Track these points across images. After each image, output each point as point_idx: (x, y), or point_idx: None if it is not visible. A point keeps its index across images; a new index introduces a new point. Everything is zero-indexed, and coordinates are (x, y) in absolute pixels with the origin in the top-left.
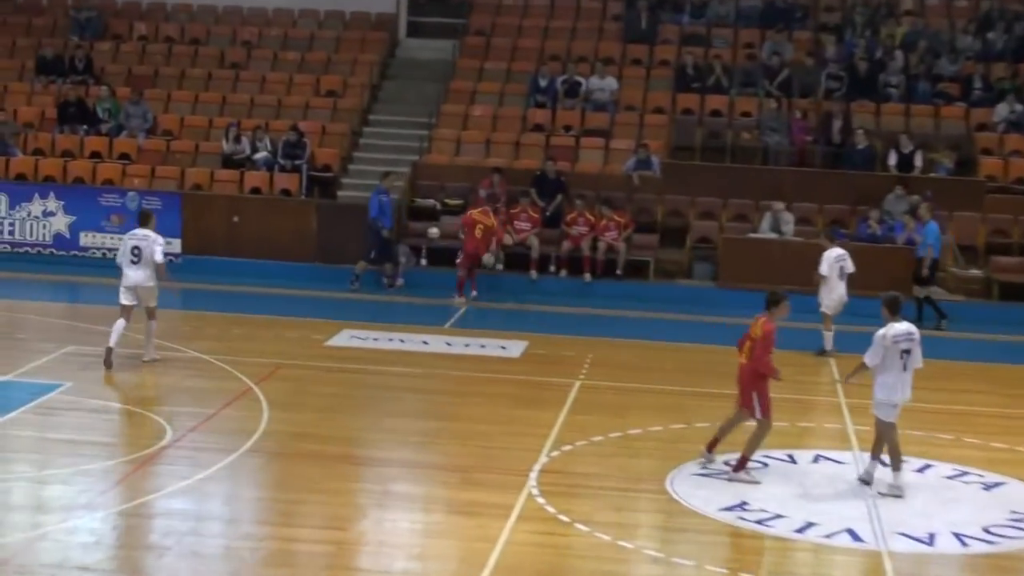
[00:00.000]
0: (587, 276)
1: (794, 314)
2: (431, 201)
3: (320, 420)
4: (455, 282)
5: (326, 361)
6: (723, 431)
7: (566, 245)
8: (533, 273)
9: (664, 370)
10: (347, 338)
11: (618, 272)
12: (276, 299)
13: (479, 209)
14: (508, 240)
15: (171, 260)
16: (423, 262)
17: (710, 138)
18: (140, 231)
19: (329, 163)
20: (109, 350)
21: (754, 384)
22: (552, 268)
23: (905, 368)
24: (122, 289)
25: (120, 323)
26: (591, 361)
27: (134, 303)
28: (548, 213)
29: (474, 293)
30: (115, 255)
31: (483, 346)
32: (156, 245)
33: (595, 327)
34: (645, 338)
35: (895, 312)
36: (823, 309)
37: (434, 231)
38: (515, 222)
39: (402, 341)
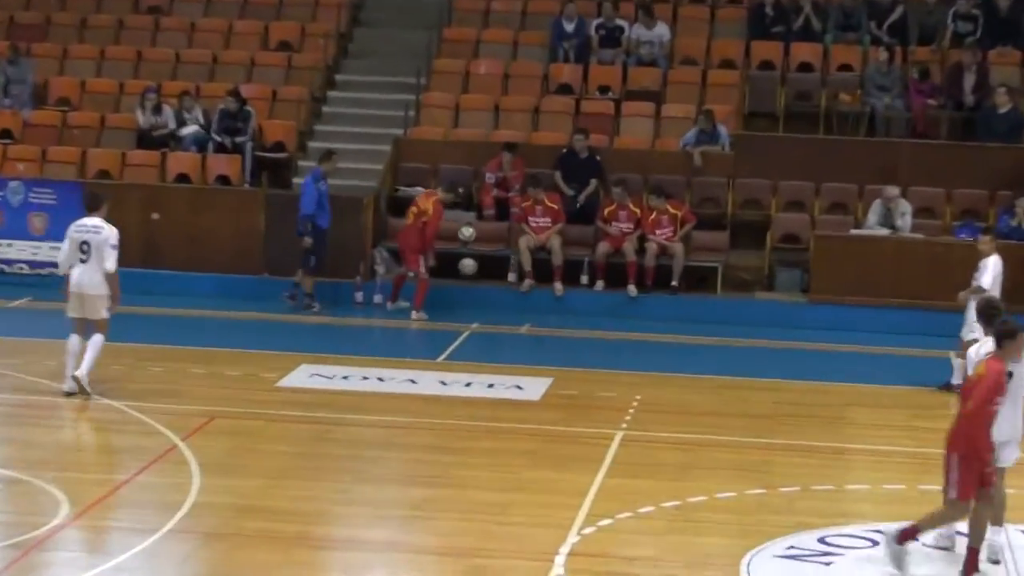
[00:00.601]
0: (631, 289)
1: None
2: (419, 189)
3: (270, 489)
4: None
5: (278, 408)
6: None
7: (603, 248)
8: (558, 286)
9: (737, 416)
10: (306, 376)
11: (673, 284)
12: (211, 325)
13: (427, 192)
14: (527, 243)
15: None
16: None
17: (797, 101)
18: (90, 221)
19: (281, 140)
20: (74, 379)
21: (958, 444)
22: (584, 279)
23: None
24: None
25: (72, 341)
26: (638, 405)
27: (79, 316)
28: (579, 204)
29: (398, 304)
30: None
31: (491, 385)
32: (108, 246)
33: (643, 358)
34: (711, 373)
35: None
36: (965, 333)
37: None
38: (529, 218)
39: (380, 380)
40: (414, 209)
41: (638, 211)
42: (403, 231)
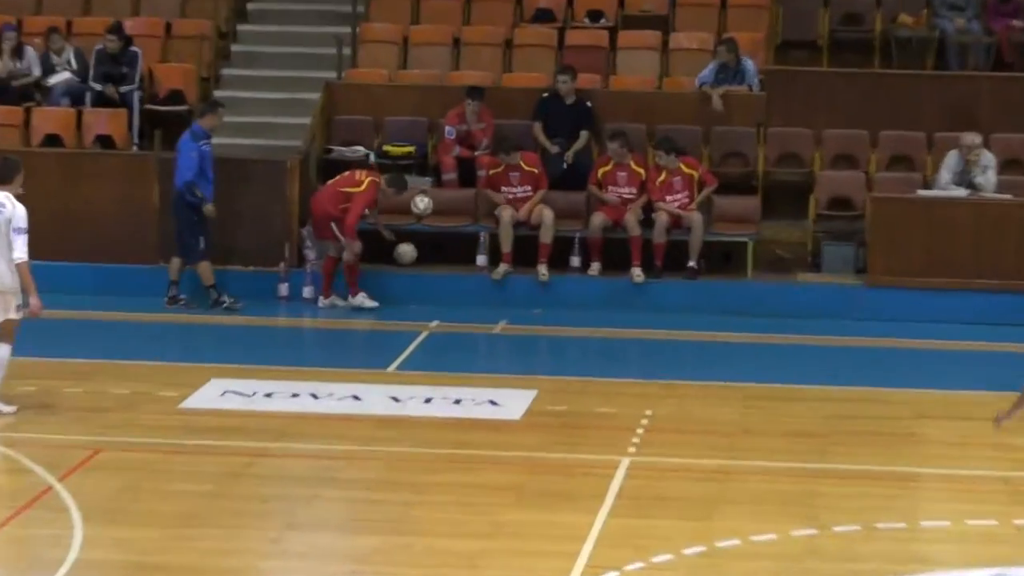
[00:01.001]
0: (636, 273)
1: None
2: (359, 150)
3: (173, 540)
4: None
5: (182, 436)
6: None
7: (598, 220)
8: (542, 270)
9: (776, 434)
10: (217, 394)
11: (691, 264)
12: (92, 329)
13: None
14: (503, 215)
15: None
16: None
17: (845, 25)
18: None
19: (179, 89)
20: None
21: None
22: (575, 261)
23: None
24: None
25: None
26: (648, 422)
27: None
28: (565, 164)
29: (333, 299)
30: None
31: (458, 401)
32: (16, 231)
33: (653, 362)
34: (741, 379)
35: None
36: None
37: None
38: (503, 187)
39: (314, 397)
40: (345, 174)
41: (642, 171)
42: (318, 193)
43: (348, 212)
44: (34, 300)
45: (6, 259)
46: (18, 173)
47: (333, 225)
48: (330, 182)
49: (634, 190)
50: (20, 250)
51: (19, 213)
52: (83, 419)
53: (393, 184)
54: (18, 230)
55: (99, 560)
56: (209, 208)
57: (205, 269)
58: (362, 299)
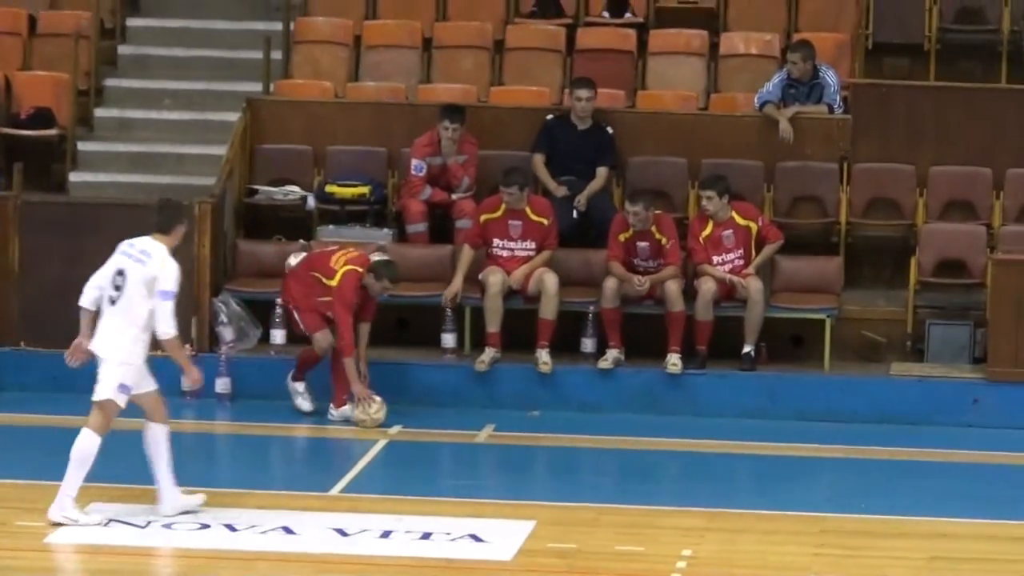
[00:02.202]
0: (672, 361)
1: None
2: (294, 190)
3: None
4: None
5: None
6: None
7: (614, 284)
8: (543, 356)
9: None
10: (98, 525)
11: (747, 350)
12: None
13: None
14: (489, 280)
15: None
16: (276, 337)
17: (959, 23)
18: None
19: (47, 107)
20: None
21: None
22: (587, 343)
23: None
24: None
25: None
26: (688, 566)
27: None
28: (576, 212)
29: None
30: None
31: (427, 535)
32: (162, 295)
33: (694, 483)
34: (814, 508)
35: None
36: None
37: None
38: (497, 241)
39: (231, 529)
40: (317, 252)
41: (665, 240)
42: (289, 276)
43: (337, 325)
44: (195, 372)
45: (134, 324)
46: (180, 223)
47: (296, 314)
48: (302, 259)
49: (656, 263)
50: (166, 323)
51: (169, 274)
52: None
53: (380, 274)
54: (164, 294)
55: None
56: None
57: None
58: (361, 412)
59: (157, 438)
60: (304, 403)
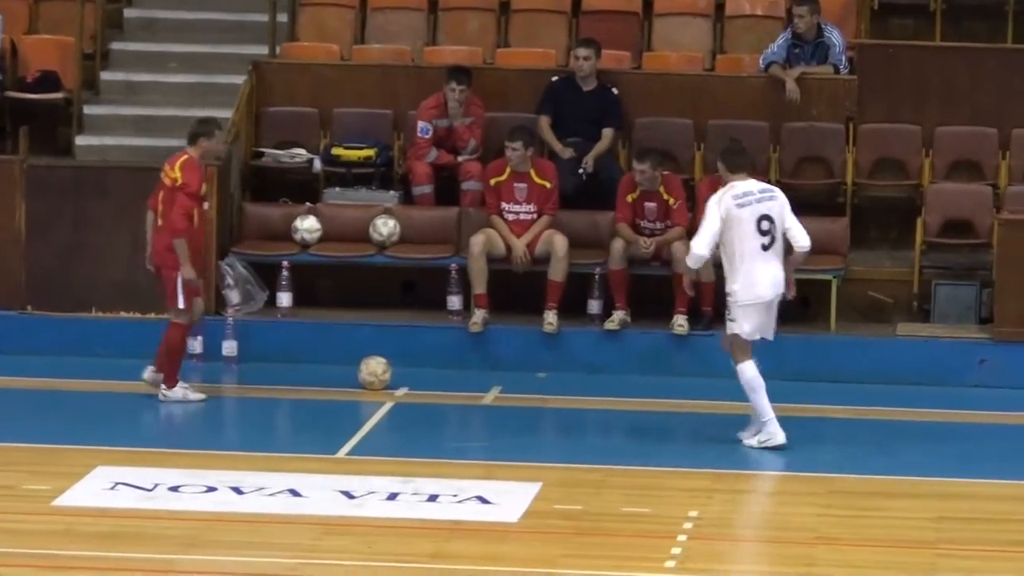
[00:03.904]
0: (679, 322)
1: None
2: (300, 153)
3: None
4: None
5: (58, 544)
6: None
7: (620, 246)
8: (549, 317)
9: (868, 543)
10: (106, 487)
11: None
12: None
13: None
14: (483, 244)
15: None
16: (282, 300)
17: None
18: None
19: (53, 70)
20: None
21: None
22: (593, 305)
23: None
24: None
25: None
26: (694, 527)
27: None
28: (583, 172)
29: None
30: None
31: (433, 498)
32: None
33: (700, 445)
34: (821, 469)
35: None
36: None
37: (308, 224)
38: (504, 203)
39: (238, 492)
40: (165, 180)
41: (672, 200)
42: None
43: (172, 218)
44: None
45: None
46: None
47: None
48: (158, 208)
49: (663, 224)
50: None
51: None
52: None
53: (208, 133)
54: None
55: None
56: None
57: None
58: (166, 392)
59: None
60: (194, 394)
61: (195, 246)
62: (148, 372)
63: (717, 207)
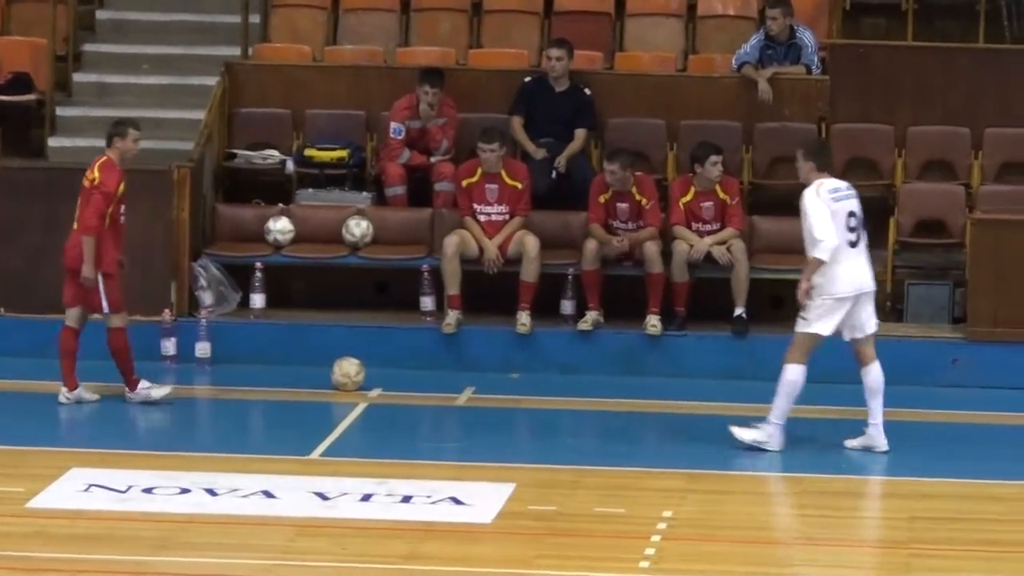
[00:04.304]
0: (652, 323)
1: None
2: (272, 154)
3: None
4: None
5: (31, 546)
6: None
7: (594, 247)
8: (523, 318)
9: (845, 542)
10: (80, 488)
11: (738, 313)
12: None
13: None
14: (456, 245)
15: None
16: (255, 301)
17: None
18: None
19: (25, 72)
20: None
21: None
22: (566, 305)
23: None
24: None
25: None
26: (668, 527)
27: None
28: (555, 174)
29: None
30: None
31: (407, 499)
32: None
33: (674, 445)
34: (794, 469)
35: None
36: None
37: (281, 225)
38: (476, 204)
39: (211, 493)
40: (84, 181)
41: (645, 200)
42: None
43: (89, 207)
44: None
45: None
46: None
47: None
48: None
49: (635, 224)
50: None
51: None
52: None
53: (122, 133)
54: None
55: None
56: None
57: None
58: (135, 393)
59: None
60: (90, 395)
61: (111, 247)
62: (128, 394)
63: (818, 199)
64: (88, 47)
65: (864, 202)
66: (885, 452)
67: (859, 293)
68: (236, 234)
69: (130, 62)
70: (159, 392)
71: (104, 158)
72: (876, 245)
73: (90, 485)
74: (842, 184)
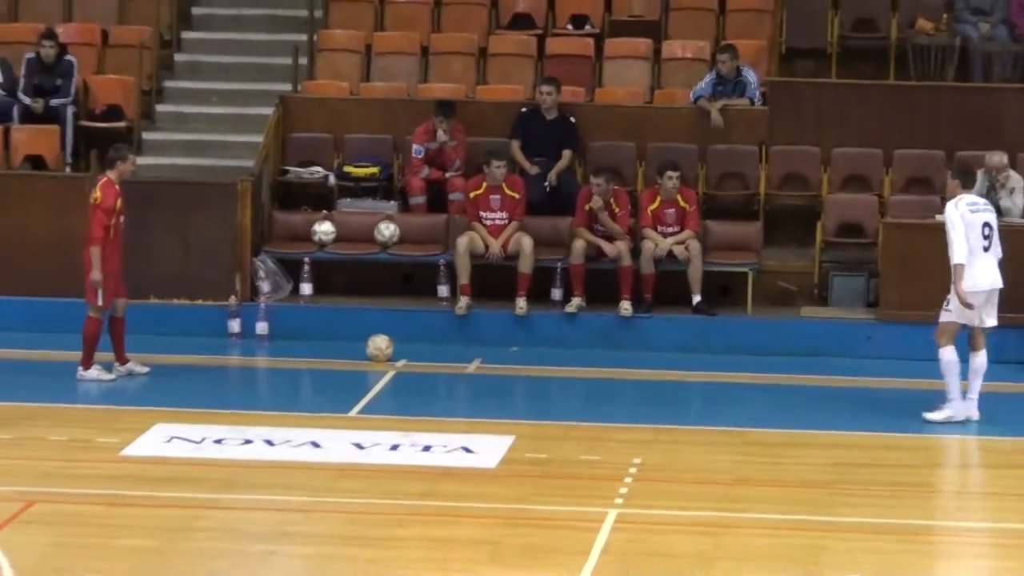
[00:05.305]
0: (624, 307)
1: None
2: (318, 170)
3: None
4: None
5: (124, 486)
6: None
7: (580, 246)
8: (520, 303)
9: (779, 484)
10: (163, 440)
11: (697, 300)
12: (25, 369)
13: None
14: (467, 244)
15: None
16: (304, 289)
17: (856, 31)
18: None
19: (117, 104)
20: None
21: None
22: (556, 292)
23: None
24: None
25: None
26: (637, 471)
27: None
28: (547, 187)
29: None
30: None
31: (427, 448)
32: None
33: (643, 405)
34: (739, 424)
35: None
36: None
37: (325, 227)
38: (482, 212)
39: (269, 444)
40: (89, 199)
41: (618, 210)
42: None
43: (92, 232)
44: None
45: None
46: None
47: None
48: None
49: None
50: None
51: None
52: (15, 468)
53: (122, 157)
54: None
55: None
56: None
57: None
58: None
59: None
60: (106, 374)
61: (112, 252)
62: (80, 371)
63: (956, 213)
64: (168, 83)
65: (796, 209)
66: (977, 421)
67: (992, 289)
68: (288, 235)
69: (202, 96)
70: (106, 376)
71: (105, 178)
72: (806, 244)
73: (171, 437)
74: (980, 200)
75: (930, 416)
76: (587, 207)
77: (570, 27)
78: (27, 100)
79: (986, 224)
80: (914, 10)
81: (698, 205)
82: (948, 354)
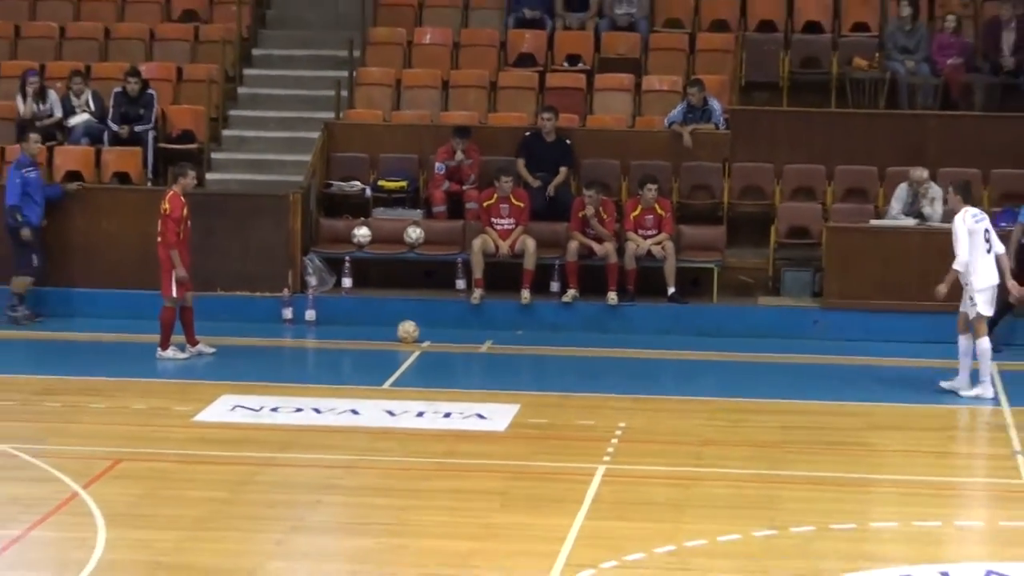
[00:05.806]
0: (611, 297)
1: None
2: (356, 184)
3: (189, 542)
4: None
5: (195, 447)
6: None
7: (574, 246)
8: (525, 294)
9: (739, 444)
10: (228, 409)
11: (672, 291)
12: (112, 351)
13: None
14: (482, 244)
15: None
16: (345, 283)
17: (803, 67)
18: None
19: (190, 128)
20: None
21: None
22: (554, 285)
23: None
24: None
25: None
26: (622, 433)
27: None
28: (547, 197)
29: (198, 349)
30: None
31: (447, 415)
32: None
33: (626, 379)
34: (707, 394)
35: None
36: None
37: (363, 232)
38: (494, 219)
39: (316, 411)
40: (160, 209)
41: (607, 216)
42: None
43: (165, 238)
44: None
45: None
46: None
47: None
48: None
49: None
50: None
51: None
52: (105, 432)
53: (184, 173)
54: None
55: (121, 560)
56: (25, 232)
57: (21, 282)
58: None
59: None
60: (180, 354)
61: (182, 252)
62: (188, 350)
63: (964, 224)
64: (232, 112)
65: (753, 216)
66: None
67: (997, 283)
68: (332, 238)
69: (261, 122)
70: (180, 355)
71: (171, 192)
72: (762, 245)
73: (235, 406)
74: (979, 211)
75: (965, 392)
76: (580, 214)
77: (566, 64)
78: (115, 127)
79: (987, 230)
80: (851, 50)
81: (672, 212)
82: (984, 343)
